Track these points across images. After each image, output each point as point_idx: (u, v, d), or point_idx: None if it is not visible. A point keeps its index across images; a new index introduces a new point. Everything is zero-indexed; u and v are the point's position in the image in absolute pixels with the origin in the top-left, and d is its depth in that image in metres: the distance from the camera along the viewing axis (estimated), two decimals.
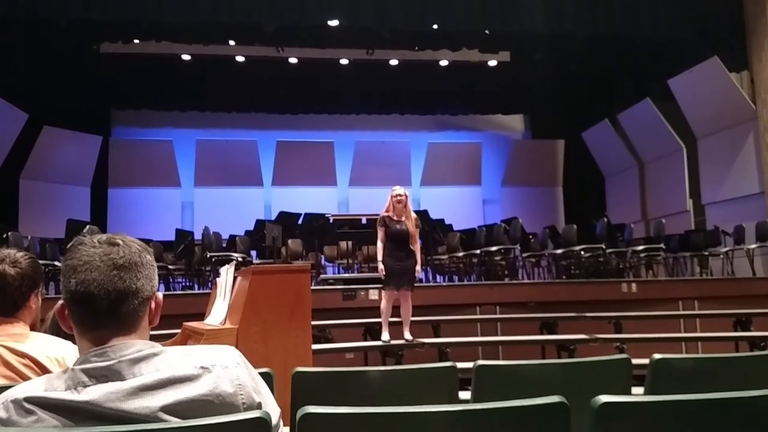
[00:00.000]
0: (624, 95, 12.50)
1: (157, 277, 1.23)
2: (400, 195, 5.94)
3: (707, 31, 10.58)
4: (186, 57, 12.95)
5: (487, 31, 11.22)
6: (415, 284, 6.12)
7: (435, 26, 10.75)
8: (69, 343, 1.77)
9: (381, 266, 5.89)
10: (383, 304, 5.98)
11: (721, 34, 10.62)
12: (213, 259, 9.07)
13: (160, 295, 1.23)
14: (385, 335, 6.01)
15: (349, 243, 9.96)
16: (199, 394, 1.12)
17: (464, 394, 2.25)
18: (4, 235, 7.86)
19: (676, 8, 10.48)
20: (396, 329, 6.08)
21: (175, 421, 1.09)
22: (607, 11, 10.48)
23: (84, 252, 1.16)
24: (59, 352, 1.75)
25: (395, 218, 5.91)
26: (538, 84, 13.14)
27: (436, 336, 6.80)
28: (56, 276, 8.05)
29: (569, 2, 10.32)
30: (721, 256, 9.56)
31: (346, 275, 9.31)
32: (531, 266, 10.49)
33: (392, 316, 6.06)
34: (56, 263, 8.05)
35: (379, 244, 5.95)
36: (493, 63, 13.72)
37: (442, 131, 14.94)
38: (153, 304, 1.21)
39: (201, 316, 3.90)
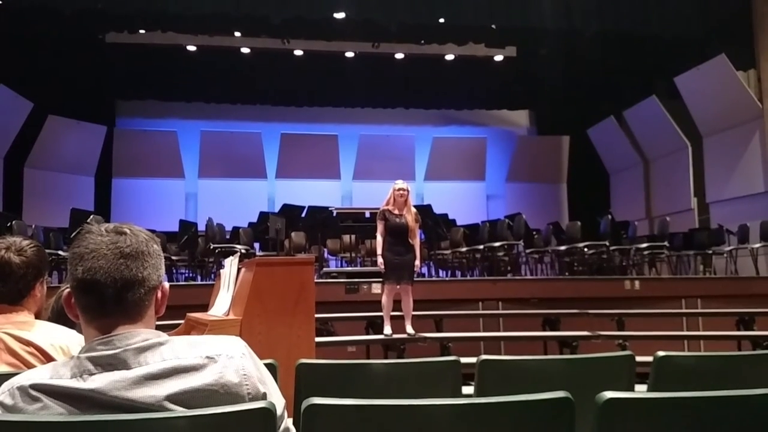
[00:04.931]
0: (630, 92, 12.46)
1: (163, 267, 1.23)
2: (402, 189, 5.94)
3: (714, 29, 10.54)
4: (191, 48, 12.93)
5: (493, 26, 11.18)
6: (418, 279, 6.12)
7: (441, 20, 10.73)
8: (73, 331, 1.77)
9: (380, 260, 5.90)
10: (384, 299, 5.98)
11: (728, 32, 10.57)
12: (216, 251, 9.08)
13: (166, 284, 1.23)
14: (387, 329, 6.02)
15: (352, 237, 9.96)
16: (204, 383, 1.12)
17: (467, 389, 2.25)
18: (9, 224, 7.88)
19: (683, 5, 10.43)
20: (398, 323, 6.08)
21: (180, 411, 1.09)
22: (615, 7, 10.44)
23: (91, 240, 1.16)
24: (64, 340, 1.75)
25: (395, 212, 5.91)
26: (544, 80, 13.10)
27: (439, 330, 6.81)
28: (60, 265, 8.08)
29: None
30: (725, 255, 9.54)
31: (349, 269, 9.32)
32: (534, 262, 10.48)
33: (394, 310, 6.07)
34: (60, 252, 8.07)
35: (379, 238, 5.96)
36: (499, 58, 13.67)
37: (447, 126, 14.91)
38: (159, 294, 1.22)
39: (204, 308, 3.91)
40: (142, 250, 1.17)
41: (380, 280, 6.17)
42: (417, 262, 5.98)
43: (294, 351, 3.11)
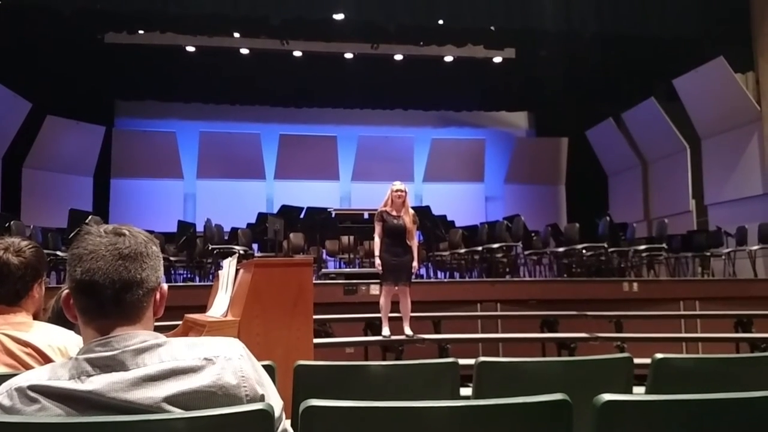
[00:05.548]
0: (629, 94, 12.47)
1: (162, 269, 1.23)
2: (400, 190, 5.94)
3: (713, 31, 10.55)
4: (190, 48, 12.93)
5: (492, 28, 11.19)
6: (416, 280, 6.12)
7: (440, 21, 10.73)
8: (71, 332, 1.77)
9: (378, 261, 5.90)
10: (382, 300, 5.98)
11: (726, 34, 10.58)
12: (215, 252, 9.07)
13: (165, 286, 1.23)
14: (386, 330, 6.01)
15: (351, 238, 9.95)
16: (202, 385, 1.12)
17: (465, 391, 2.25)
18: (7, 224, 7.87)
19: (682, 8, 10.44)
20: (396, 324, 6.08)
21: (178, 412, 1.09)
22: (614, 9, 10.46)
23: (90, 241, 1.16)
24: (61, 341, 1.74)
25: (393, 213, 5.91)
26: (543, 81, 13.10)
27: (437, 332, 6.80)
28: (59, 265, 8.07)
29: (576, 0, 10.30)
30: (723, 257, 9.55)
31: (348, 270, 9.31)
32: (533, 264, 10.49)
33: (392, 312, 6.07)
34: (58, 252, 8.07)
35: (377, 239, 5.96)
36: (498, 59, 13.68)
37: (446, 127, 14.92)
38: (158, 295, 1.22)
39: (202, 309, 3.91)
40: (140, 251, 1.17)
41: (378, 281, 6.17)
42: (415, 264, 5.97)
43: (292, 352, 3.11)
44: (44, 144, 11.88)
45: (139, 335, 1.15)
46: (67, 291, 1.18)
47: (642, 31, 10.67)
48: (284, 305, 3.33)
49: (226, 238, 9.76)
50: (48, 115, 11.83)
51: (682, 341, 7.35)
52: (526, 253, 10.21)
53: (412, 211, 6.02)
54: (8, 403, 1.09)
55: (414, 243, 5.99)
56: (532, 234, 10.63)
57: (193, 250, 9.76)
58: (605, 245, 9.41)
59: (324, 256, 10.32)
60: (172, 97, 13.78)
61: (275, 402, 1.20)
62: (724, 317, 7.22)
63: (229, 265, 3.56)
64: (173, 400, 1.10)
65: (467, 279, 9.66)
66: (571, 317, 7.15)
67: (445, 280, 10.10)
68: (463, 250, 9.93)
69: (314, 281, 4.24)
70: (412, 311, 6.08)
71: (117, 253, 1.15)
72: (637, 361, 2.24)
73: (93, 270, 1.13)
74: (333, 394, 1.37)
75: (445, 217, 10.77)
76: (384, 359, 6.07)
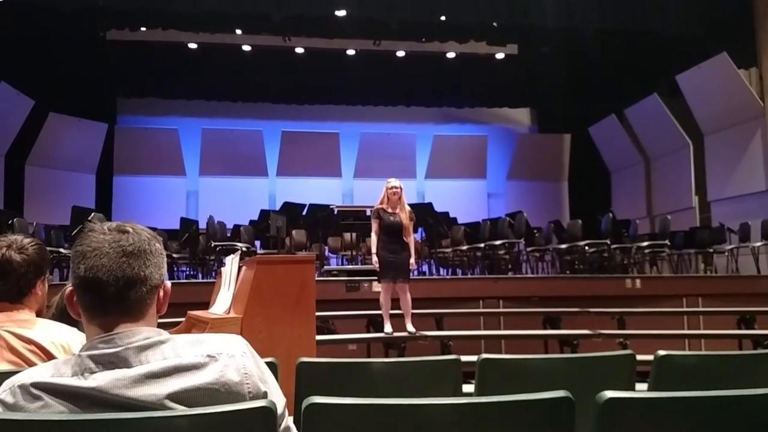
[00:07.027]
0: (631, 90, 12.44)
1: (165, 266, 1.23)
2: (395, 187, 5.94)
3: (716, 27, 10.52)
4: (192, 45, 12.94)
5: (495, 24, 11.18)
6: (418, 277, 6.12)
7: (443, 18, 10.72)
8: (74, 329, 1.78)
9: (375, 258, 5.90)
10: (382, 297, 5.99)
11: (729, 30, 10.55)
12: (217, 249, 9.09)
13: (168, 283, 1.23)
14: (388, 327, 6.02)
15: (353, 235, 9.95)
16: (205, 382, 1.12)
17: (467, 388, 2.25)
18: (10, 221, 7.88)
19: (685, 3, 10.42)
20: (398, 321, 6.08)
21: (180, 409, 1.09)
22: (616, 5, 10.44)
23: (94, 238, 1.16)
24: (64, 338, 1.75)
25: (389, 210, 5.92)
26: (545, 78, 13.09)
27: (439, 329, 6.81)
28: (61, 262, 8.09)
29: None
30: (726, 254, 9.53)
31: (350, 267, 9.32)
32: (535, 261, 10.48)
33: (393, 309, 6.07)
34: (61, 250, 8.08)
35: (374, 237, 5.97)
36: (500, 56, 13.67)
37: (448, 124, 14.90)
38: (161, 293, 1.22)
39: (204, 305, 3.92)
40: (144, 248, 1.17)
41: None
42: (412, 260, 5.98)
43: (295, 349, 3.11)
44: (47, 141, 11.90)
45: (142, 332, 1.15)
46: (70, 288, 1.19)
47: (644, 26, 10.65)
48: (287, 302, 3.34)
49: (228, 235, 9.77)
50: (50, 112, 11.84)
51: (684, 338, 7.34)
52: (529, 249, 10.20)
53: (408, 208, 6.03)
54: (11, 400, 1.09)
55: (411, 239, 6.00)
56: (535, 231, 10.62)
57: (196, 247, 9.77)
58: (608, 242, 9.40)
59: (326, 253, 10.32)
60: (174, 94, 13.78)
61: (278, 399, 1.20)
62: (727, 314, 7.20)
63: (231, 263, 3.57)
64: (176, 397, 1.10)
65: (469, 276, 9.65)
66: (573, 314, 7.14)
67: (448, 277, 10.09)
68: (465, 247, 9.92)
69: (316, 278, 4.25)
70: (414, 308, 6.08)
71: (120, 251, 1.15)
72: (639, 357, 2.23)
73: (96, 267, 1.13)
74: (335, 391, 1.37)
75: (447, 213, 10.78)
76: (386, 356, 6.07)
